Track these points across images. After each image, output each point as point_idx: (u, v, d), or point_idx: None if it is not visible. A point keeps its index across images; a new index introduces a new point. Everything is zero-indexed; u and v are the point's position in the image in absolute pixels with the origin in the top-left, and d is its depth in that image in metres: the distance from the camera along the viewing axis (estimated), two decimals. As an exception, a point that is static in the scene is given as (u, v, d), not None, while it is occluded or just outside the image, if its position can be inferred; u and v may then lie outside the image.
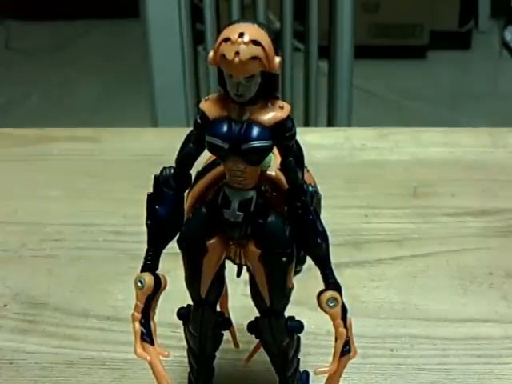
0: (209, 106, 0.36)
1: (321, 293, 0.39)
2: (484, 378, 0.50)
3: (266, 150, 0.36)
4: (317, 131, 0.94)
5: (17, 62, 2.54)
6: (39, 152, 0.78)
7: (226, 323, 0.43)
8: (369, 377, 0.50)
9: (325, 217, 0.39)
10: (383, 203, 0.69)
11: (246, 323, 0.43)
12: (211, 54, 0.34)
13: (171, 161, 0.39)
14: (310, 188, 0.38)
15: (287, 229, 0.38)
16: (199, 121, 0.37)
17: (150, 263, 0.40)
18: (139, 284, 0.39)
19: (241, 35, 0.33)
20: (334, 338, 0.39)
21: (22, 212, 0.68)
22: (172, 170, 0.39)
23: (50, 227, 0.66)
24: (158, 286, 0.40)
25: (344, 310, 0.39)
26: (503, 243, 0.63)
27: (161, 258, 0.40)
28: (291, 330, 0.41)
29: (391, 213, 0.67)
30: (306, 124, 1.51)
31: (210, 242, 0.39)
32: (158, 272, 0.40)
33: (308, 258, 0.40)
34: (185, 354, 0.45)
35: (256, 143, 0.35)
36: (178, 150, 0.39)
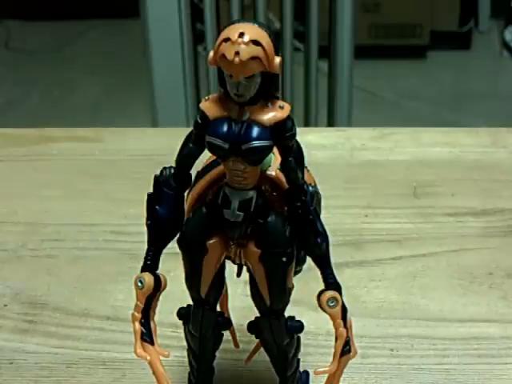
0: (209, 106, 0.36)
1: (321, 293, 0.39)
2: (484, 378, 0.50)
3: (266, 150, 0.36)
4: (317, 131, 0.94)
5: (17, 61, 2.54)
6: (39, 152, 0.78)
7: (226, 323, 0.43)
8: (369, 377, 0.50)
9: (325, 217, 0.39)
10: (383, 203, 0.69)
11: (245, 323, 0.43)
12: (211, 54, 0.34)
13: (171, 161, 0.39)
14: (310, 188, 0.38)
15: (287, 229, 0.38)
16: (199, 121, 0.37)
17: (150, 263, 0.40)
18: (139, 284, 0.39)
19: (241, 35, 0.33)
20: (334, 338, 0.39)
21: (22, 212, 0.68)
22: (172, 170, 0.39)
23: (50, 227, 0.66)
24: (158, 286, 0.40)
25: (344, 309, 0.39)
26: (503, 243, 0.63)
27: (161, 258, 0.40)
28: (291, 330, 0.41)
29: (391, 213, 0.67)
30: (306, 124, 1.51)
31: (210, 242, 0.39)
32: (158, 272, 0.40)
33: (308, 258, 0.40)
34: (185, 353, 0.45)
35: (256, 143, 0.35)
36: (178, 149, 0.39)
